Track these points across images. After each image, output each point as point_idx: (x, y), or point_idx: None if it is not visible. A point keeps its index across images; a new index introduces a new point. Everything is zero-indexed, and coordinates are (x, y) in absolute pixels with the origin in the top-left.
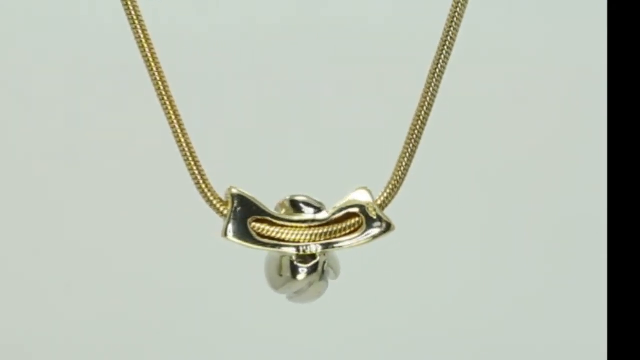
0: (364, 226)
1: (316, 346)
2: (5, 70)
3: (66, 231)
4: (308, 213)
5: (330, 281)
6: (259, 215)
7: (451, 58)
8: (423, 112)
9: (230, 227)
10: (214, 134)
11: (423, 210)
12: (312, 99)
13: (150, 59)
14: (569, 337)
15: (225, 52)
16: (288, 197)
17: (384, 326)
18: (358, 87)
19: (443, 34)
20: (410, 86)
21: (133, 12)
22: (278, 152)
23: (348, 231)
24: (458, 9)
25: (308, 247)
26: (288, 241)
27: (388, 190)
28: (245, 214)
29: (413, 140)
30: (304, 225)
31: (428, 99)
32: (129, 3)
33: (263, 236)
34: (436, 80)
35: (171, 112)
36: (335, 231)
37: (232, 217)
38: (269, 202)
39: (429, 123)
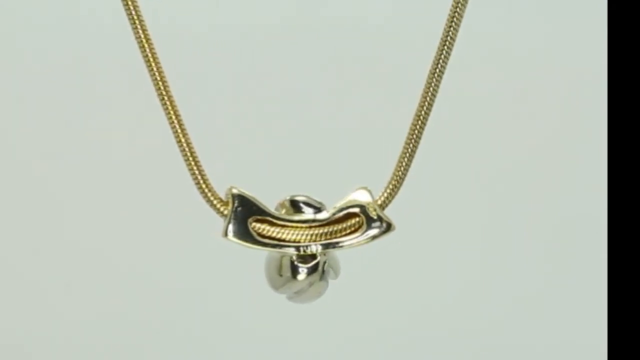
0: (364, 226)
1: (316, 346)
2: (5, 70)
3: (66, 231)
4: (308, 213)
5: (330, 281)
6: (260, 215)
7: (451, 58)
8: (423, 112)
9: (231, 227)
10: (214, 134)
11: (423, 210)
12: (312, 99)
13: (151, 59)
14: (569, 337)
15: (225, 52)
16: (288, 197)
17: (384, 326)
18: (358, 87)
19: (443, 34)
20: (410, 86)
21: (134, 12)
22: (278, 152)
23: (348, 231)
24: (458, 9)
25: (308, 247)
26: (288, 241)
27: (388, 190)
28: (246, 214)
29: (413, 140)
30: (304, 225)
31: (428, 99)
32: (130, 3)
33: (263, 236)
34: (436, 80)
35: (171, 112)
36: (336, 231)
37: (232, 217)
38: (269, 202)
39: (429, 123)
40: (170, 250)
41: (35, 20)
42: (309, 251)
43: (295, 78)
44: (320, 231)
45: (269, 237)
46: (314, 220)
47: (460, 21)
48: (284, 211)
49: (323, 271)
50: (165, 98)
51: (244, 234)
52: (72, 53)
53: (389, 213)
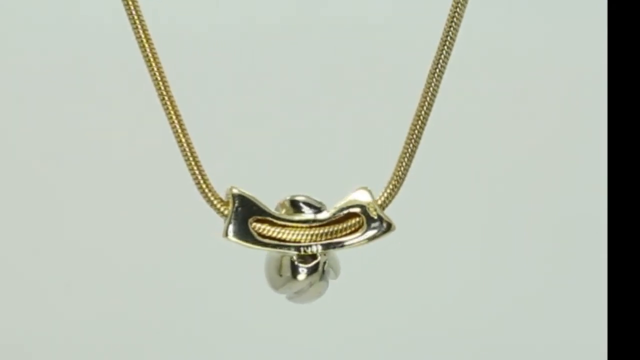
0: (365, 226)
1: (316, 346)
2: (5, 70)
3: (66, 231)
4: (308, 213)
5: (330, 281)
6: (260, 215)
7: (451, 58)
8: (423, 112)
9: (231, 227)
10: (214, 134)
11: (423, 210)
12: (312, 99)
13: (151, 59)
14: (569, 337)
15: (225, 52)
16: (288, 197)
17: (384, 326)
18: (358, 87)
19: (443, 34)
20: (410, 86)
21: (134, 12)
22: (278, 152)
23: (349, 231)
24: (458, 9)
25: (309, 248)
26: (289, 241)
27: (388, 190)
28: (246, 214)
29: (413, 140)
30: (304, 225)
31: (428, 99)
32: (130, 3)
33: (264, 236)
34: (436, 80)
35: (172, 112)
36: (336, 231)
37: (233, 217)
38: (270, 202)
39: (429, 123)
40: (171, 250)
41: (35, 20)
42: (309, 251)
43: (295, 78)
44: (321, 231)
45: (270, 237)
46: (314, 221)
47: (460, 21)
48: (284, 211)
49: (323, 271)
50: (166, 98)
51: (245, 234)
52: (72, 53)
53: (389, 213)
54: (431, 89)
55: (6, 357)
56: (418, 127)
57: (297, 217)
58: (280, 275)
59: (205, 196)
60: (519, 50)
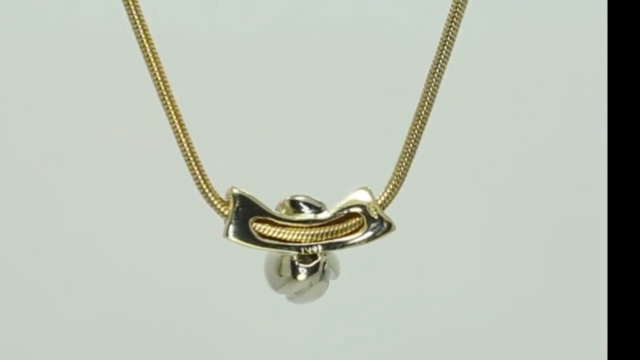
0: (365, 226)
1: (316, 346)
2: (5, 70)
3: (66, 231)
4: (308, 213)
5: (330, 281)
6: (261, 215)
7: (451, 58)
8: (423, 112)
9: (232, 227)
10: (214, 134)
11: (423, 210)
12: (312, 99)
13: (152, 59)
14: (569, 337)
15: (225, 52)
16: (288, 197)
17: (384, 326)
18: (358, 87)
19: (443, 34)
20: (410, 86)
21: (134, 12)
22: (278, 152)
23: (349, 231)
24: (458, 9)
25: (310, 248)
26: (290, 241)
27: (388, 190)
28: (247, 214)
29: (413, 140)
30: (305, 225)
31: (428, 99)
32: (130, 3)
33: (264, 236)
34: (436, 80)
35: (172, 112)
36: (337, 231)
37: (233, 217)
38: (270, 202)
39: (429, 123)
40: (171, 250)
41: (35, 20)
42: (310, 251)
43: (295, 78)
44: (322, 231)
45: (270, 238)
46: (315, 221)
47: (460, 21)
48: (284, 211)
49: (323, 271)
50: (166, 98)
51: (245, 234)
52: (72, 53)
53: (389, 213)
54: (431, 88)
55: (6, 357)
56: (418, 127)
57: (297, 217)
58: (280, 275)
59: (206, 196)
60: (519, 51)
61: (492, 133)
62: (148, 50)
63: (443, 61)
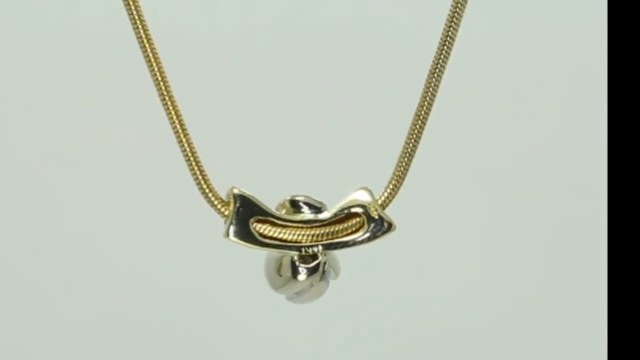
0: (366, 226)
1: (316, 346)
2: (5, 70)
3: (66, 231)
4: (308, 213)
5: (330, 281)
6: (261, 215)
7: (451, 58)
8: (423, 112)
9: (232, 227)
10: (215, 134)
11: (423, 210)
12: (312, 99)
13: (152, 59)
14: (569, 337)
15: (225, 52)
16: (288, 197)
17: (384, 326)
18: (358, 87)
19: (443, 34)
20: (410, 86)
21: (134, 12)
22: (278, 152)
23: (350, 231)
24: (458, 9)
25: (310, 248)
26: (290, 241)
27: (388, 190)
28: (247, 215)
29: (413, 140)
30: (306, 225)
31: (428, 98)
32: (131, 3)
33: (265, 236)
34: (436, 80)
35: (172, 111)
36: (337, 231)
37: (234, 217)
38: (270, 202)
39: (428, 123)
40: (171, 250)
41: (35, 20)
42: (311, 252)
43: (295, 78)
44: (322, 231)
45: (271, 238)
46: (315, 221)
47: (460, 21)
48: (284, 211)
49: (324, 271)
50: (166, 98)
51: (246, 234)
52: (72, 53)
53: (389, 213)
54: (431, 88)
55: (6, 357)
56: (418, 127)
57: (298, 217)
58: (280, 275)
59: (206, 196)
60: (519, 51)
61: (492, 133)
62: (148, 50)
63: (443, 61)
